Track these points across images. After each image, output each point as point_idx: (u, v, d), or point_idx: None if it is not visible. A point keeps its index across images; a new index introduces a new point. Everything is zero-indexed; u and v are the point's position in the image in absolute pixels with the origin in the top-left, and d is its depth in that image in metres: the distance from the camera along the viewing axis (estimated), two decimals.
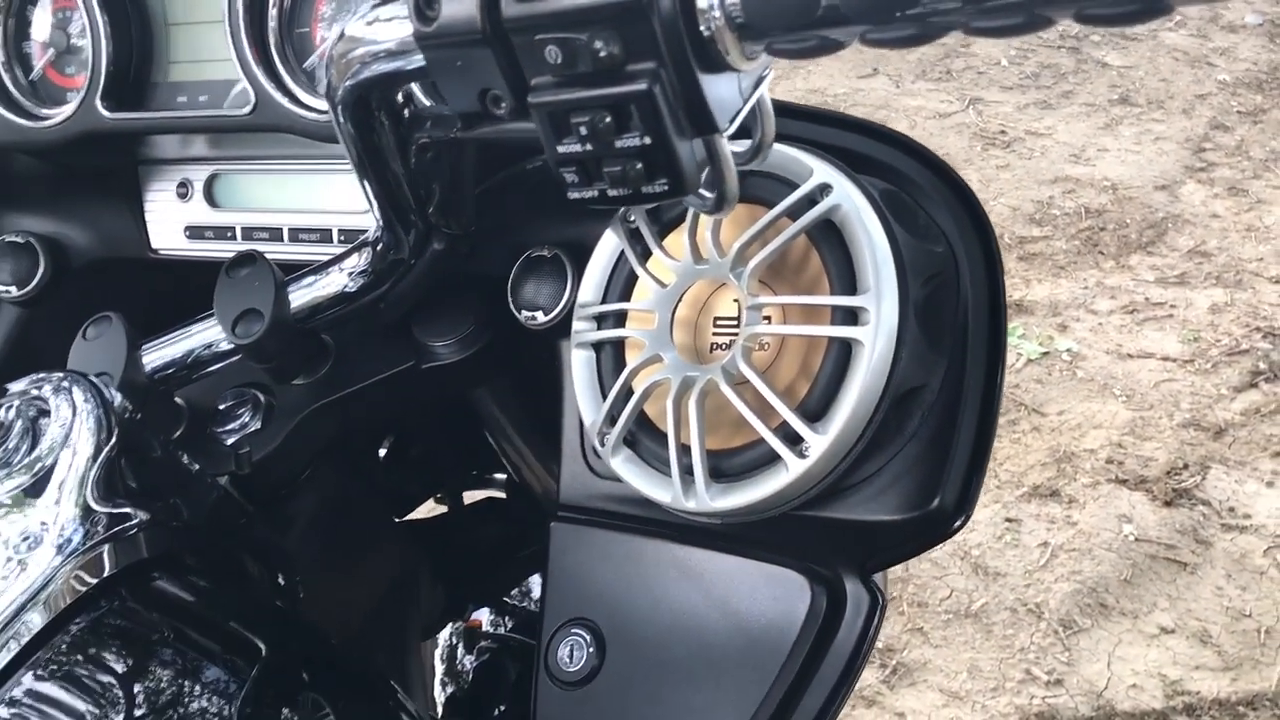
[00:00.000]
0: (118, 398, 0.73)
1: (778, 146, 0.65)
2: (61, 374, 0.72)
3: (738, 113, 0.48)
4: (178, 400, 0.84)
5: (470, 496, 1.15)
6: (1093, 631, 2.35)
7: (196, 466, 0.79)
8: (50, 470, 0.67)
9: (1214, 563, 2.48)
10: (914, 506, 0.63)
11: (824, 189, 0.63)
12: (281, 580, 0.81)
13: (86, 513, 0.67)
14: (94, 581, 0.66)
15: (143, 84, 0.84)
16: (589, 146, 0.47)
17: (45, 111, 0.85)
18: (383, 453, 1.05)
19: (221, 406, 0.85)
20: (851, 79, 4.57)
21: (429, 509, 1.10)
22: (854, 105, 4.37)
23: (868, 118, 0.70)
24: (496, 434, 0.92)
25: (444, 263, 0.77)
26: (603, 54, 0.45)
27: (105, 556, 0.67)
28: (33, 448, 0.68)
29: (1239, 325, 3.21)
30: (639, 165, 0.47)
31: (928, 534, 0.63)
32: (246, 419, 0.83)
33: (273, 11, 0.78)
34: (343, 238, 0.86)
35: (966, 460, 0.63)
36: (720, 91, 0.47)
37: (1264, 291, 3.34)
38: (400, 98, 0.62)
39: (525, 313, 0.77)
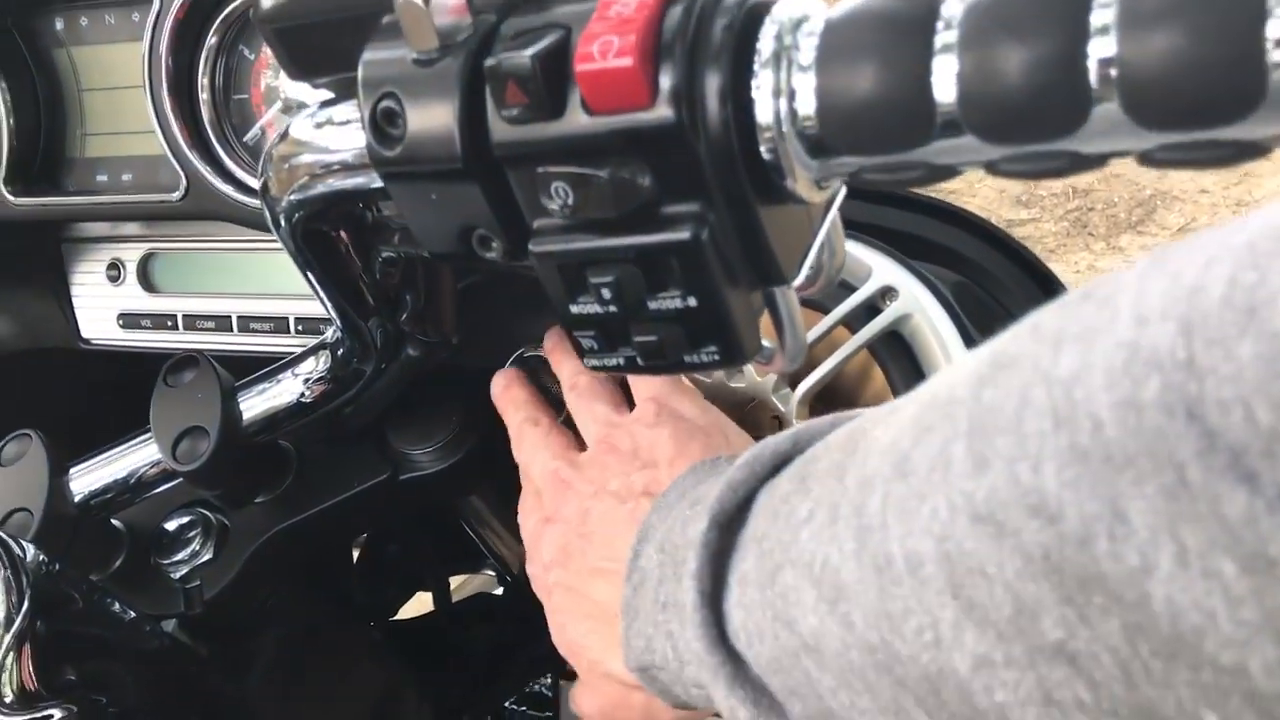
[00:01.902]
0: (29, 550, 0.61)
1: None
2: None
3: (807, 251, 0.36)
4: (116, 524, 0.72)
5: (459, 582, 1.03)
6: None
7: (132, 614, 0.67)
8: None
9: None
10: None
11: (888, 293, 0.51)
12: None
13: None
14: None
15: (55, 161, 0.71)
16: (613, 309, 0.35)
17: None
18: (354, 556, 0.93)
19: (170, 528, 0.73)
20: None
21: (414, 607, 0.98)
22: None
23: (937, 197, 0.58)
24: (481, 530, 0.80)
25: (420, 367, 0.65)
26: (629, 193, 0.33)
27: None
28: None
29: None
30: (680, 331, 0.35)
31: None
32: (197, 546, 0.71)
33: (203, 76, 0.65)
34: (300, 327, 0.74)
35: None
36: (785, 228, 0.35)
37: None
38: (360, 204, 0.50)
39: None
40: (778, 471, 0.41)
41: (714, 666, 0.39)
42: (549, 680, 1.02)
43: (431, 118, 0.35)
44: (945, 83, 0.30)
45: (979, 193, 3.67)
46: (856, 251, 0.53)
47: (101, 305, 0.79)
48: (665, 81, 0.32)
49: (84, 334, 0.80)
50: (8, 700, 0.55)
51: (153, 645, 0.68)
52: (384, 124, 0.36)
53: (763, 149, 0.33)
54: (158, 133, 0.65)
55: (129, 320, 0.78)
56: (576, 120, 0.33)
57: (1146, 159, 0.31)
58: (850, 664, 0.34)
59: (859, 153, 0.32)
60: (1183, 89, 0.27)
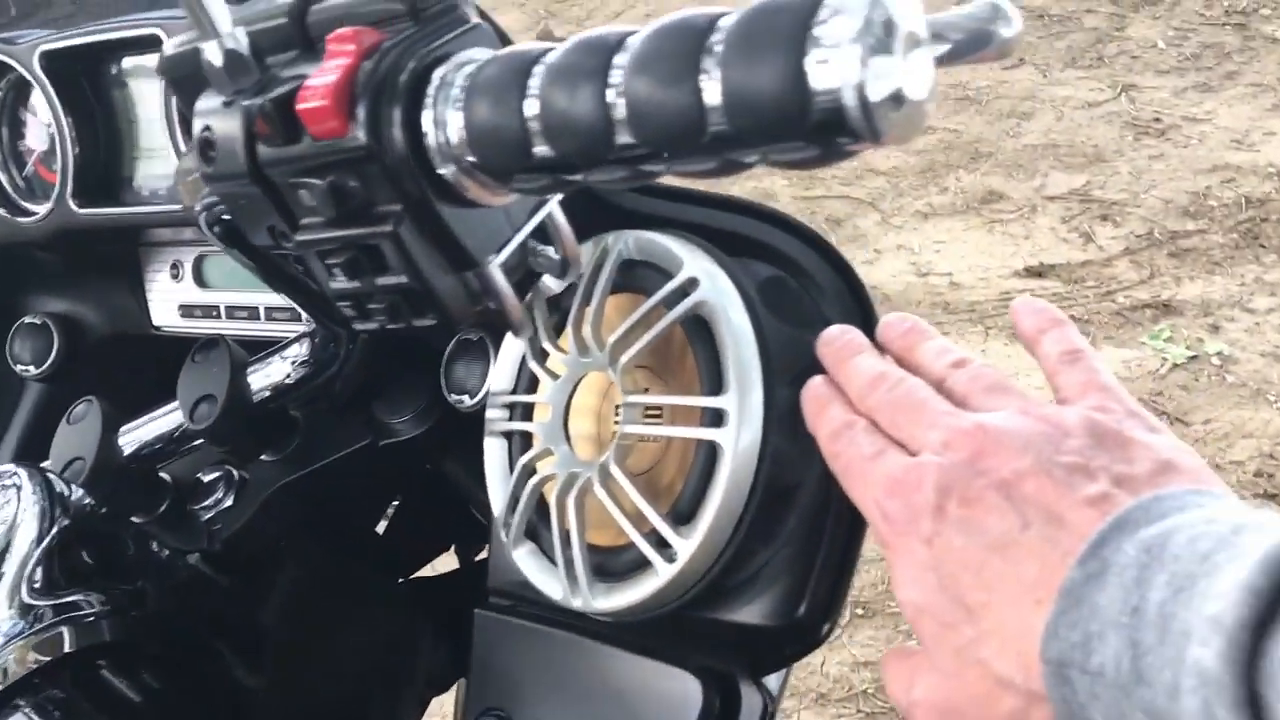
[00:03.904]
0: (66, 487, 0.77)
1: (658, 236, 0.64)
2: (11, 466, 0.76)
3: (506, 243, 0.48)
4: (163, 476, 0.88)
5: None
6: None
7: (166, 551, 0.83)
8: None
9: None
10: (783, 613, 0.60)
11: (692, 283, 0.61)
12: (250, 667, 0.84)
13: (24, 608, 0.70)
14: (32, 666, 0.70)
15: (114, 179, 0.88)
16: (356, 284, 0.47)
17: (33, 208, 0.90)
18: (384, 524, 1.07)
19: (206, 480, 0.89)
20: (995, 70, 4.40)
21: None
22: (997, 97, 4.22)
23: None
24: (473, 505, 0.93)
25: (384, 345, 0.79)
26: (348, 197, 0.45)
27: (46, 644, 0.71)
28: None
29: None
30: (403, 302, 0.47)
31: (797, 642, 0.61)
32: (220, 494, 0.87)
33: None
34: (307, 315, 0.88)
35: (835, 565, 0.60)
36: (479, 225, 0.46)
37: None
38: None
39: (454, 395, 0.77)
40: None
41: (1233, 701, 0.34)
42: None
43: (229, 143, 0.48)
44: (534, 117, 0.41)
45: (1144, 203, 3.59)
46: (674, 246, 0.63)
47: (167, 298, 0.96)
48: (359, 115, 0.44)
49: (155, 322, 0.97)
50: (37, 586, 0.70)
51: (181, 575, 0.84)
52: (205, 149, 0.49)
53: (439, 169, 0.44)
54: (170, 151, 0.81)
55: (186, 310, 0.95)
56: (305, 145, 0.45)
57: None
58: None
59: (492, 171, 0.43)
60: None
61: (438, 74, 0.44)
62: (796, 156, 0.37)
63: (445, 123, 0.43)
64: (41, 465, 0.79)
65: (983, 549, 0.46)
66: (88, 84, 0.86)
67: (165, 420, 0.85)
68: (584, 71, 0.39)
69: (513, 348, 0.71)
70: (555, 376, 0.67)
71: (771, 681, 0.65)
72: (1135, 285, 3.27)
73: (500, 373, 0.71)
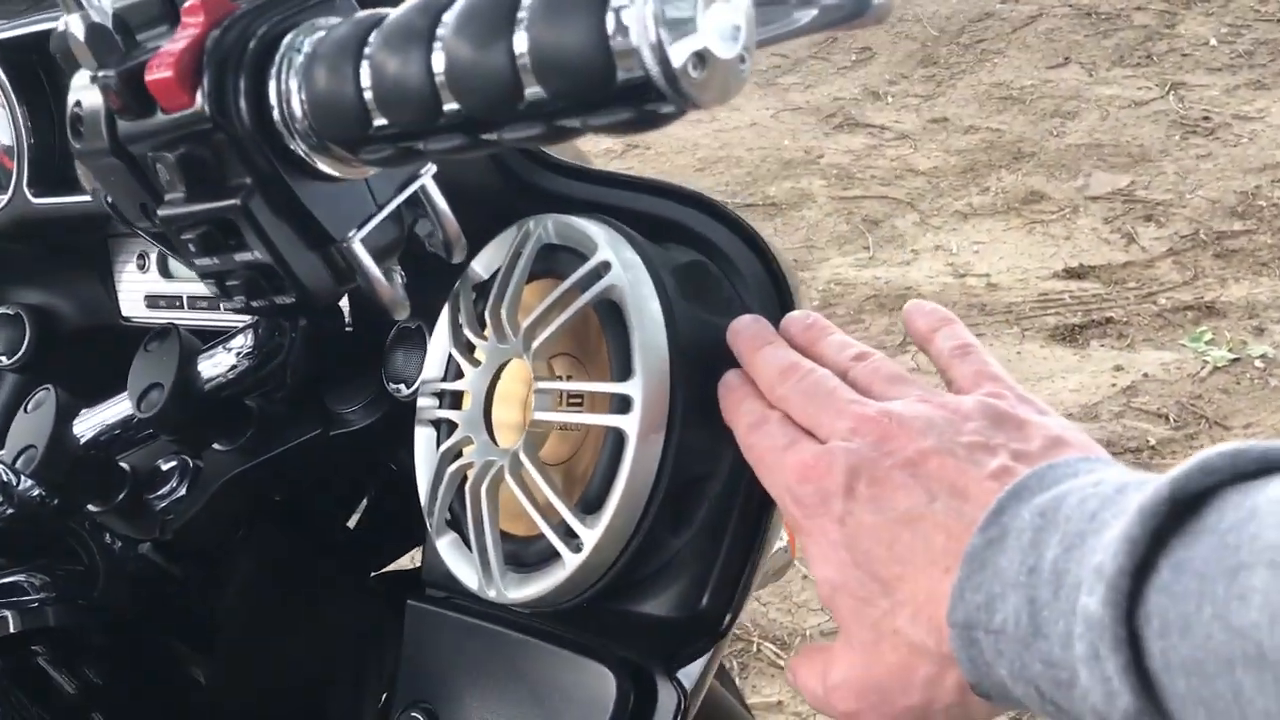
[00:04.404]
0: (12, 475, 0.77)
1: (576, 220, 0.62)
2: None
3: (368, 219, 0.46)
4: (122, 465, 0.88)
5: None
6: None
7: (118, 543, 0.82)
8: None
9: None
10: (687, 605, 0.59)
11: (605, 266, 0.59)
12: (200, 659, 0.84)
13: None
14: None
15: (70, 168, 0.88)
16: (214, 260, 0.46)
17: None
18: (356, 518, 1.06)
19: (164, 468, 0.89)
20: (1040, 69, 4.34)
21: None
22: (1041, 97, 4.15)
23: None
24: None
25: (327, 335, 0.78)
26: (200, 170, 0.44)
27: None
28: None
29: None
30: (261, 279, 0.46)
31: (702, 634, 0.59)
32: (174, 483, 0.86)
33: None
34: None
35: (739, 557, 0.58)
36: (340, 200, 0.45)
37: None
38: None
39: (393, 385, 0.76)
40: (1254, 478, 0.38)
41: (1114, 641, 0.37)
42: None
43: (93, 119, 0.47)
44: (368, 85, 0.40)
45: (1189, 203, 3.51)
46: (590, 230, 0.61)
47: (134, 289, 0.96)
48: (204, 87, 0.43)
49: (124, 312, 0.97)
50: None
51: (132, 565, 0.84)
52: (75, 125, 0.48)
53: (287, 142, 0.43)
54: None
55: (152, 301, 0.95)
56: (158, 118, 0.44)
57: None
58: None
59: (337, 142, 0.42)
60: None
61: (285, 43, 0.43)
62: (612, 120, 0.35)
63: (289, 94, 0.42)
64: None
65: (893, 523, 0.48)
66: (43, 73, 0.86)
67: (120, 408, 0.85)
68: (412, 34, 0.38)
69: (443, 335, 0.70)
70: (477, 363, 0.66)
71: (693, 673, 0.63)
72: (1178, 286, 3.19)
73: (432, 360, 0.70)
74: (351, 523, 1.05)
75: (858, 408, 0.52)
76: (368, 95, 0.39)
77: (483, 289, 0.68)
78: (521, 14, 0.35)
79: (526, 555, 0.62)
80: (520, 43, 0.35)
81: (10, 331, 1.00)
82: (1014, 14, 4.69)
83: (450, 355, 0.69)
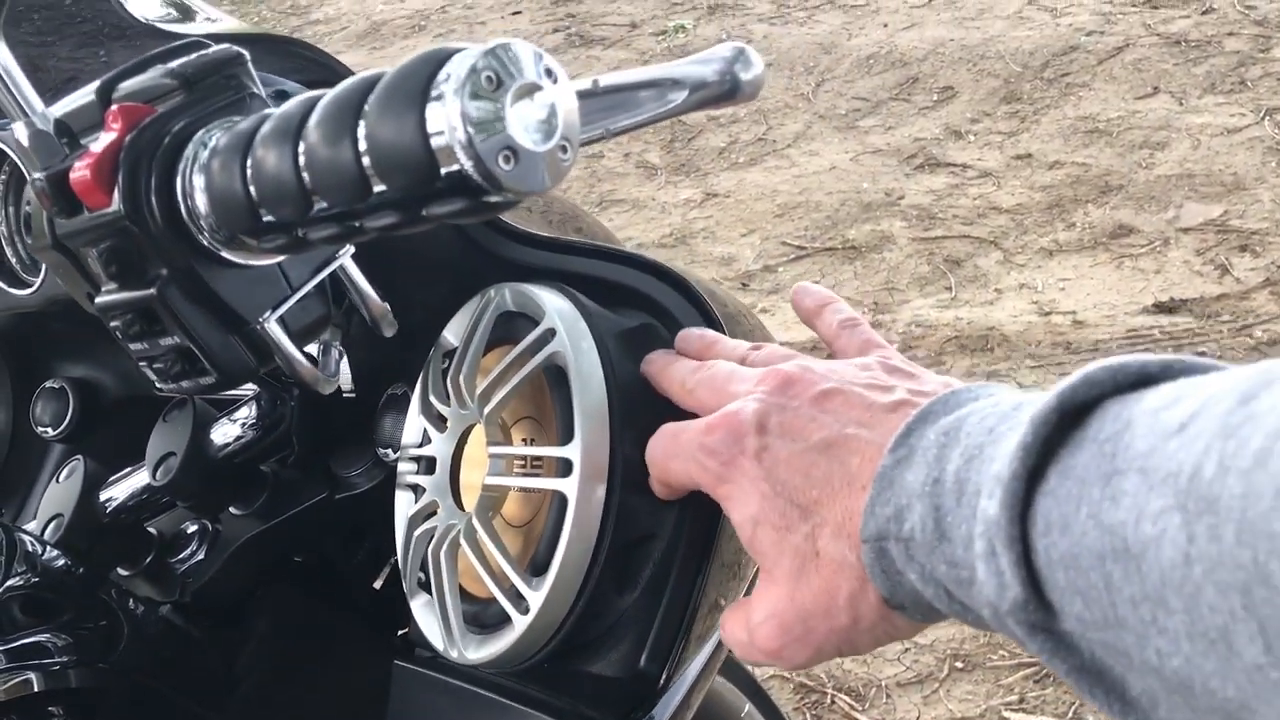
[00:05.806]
0: (37, 544, 0.81)
1: (530, 288, 0.64)
2: None
3: (283, 301, 0.49)
4: (149, 530, 0.92)
5: None
6: None
7: (140, 606, 0.86)
8: None
9: None
10: (627, 664, 0.59)
11: (550, 333, 0.61)
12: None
13: None
14: None
15: None
16: (143, 345, 0.49)
17: (31, 279, 0.96)
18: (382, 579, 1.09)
19: (189, 531, 0.93)
20: (1128, 100, 4.25)
21: None
22: (1129, 128, 4.07)
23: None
24: None
25: (324, 403, 0.81)
26: (122, 262, 0.47)
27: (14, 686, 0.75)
28: None
29: None
30: (182, 361, 0.49)
31: (644, 692, 0.60)
32: (194, 547, 0.90)
33: None
34: None
35: (675, 617, 0.59)
36: (255, 284, 0.48)
37: None
38: None
39: (381, 449, 0.79)
40: (1133, 389, 0.41)
41: (1008, 539, 0.40)
42: None
43: (38, 217, 0.51)
44: (252, 179, 0.42)
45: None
46: (541, 297, 0.63)
47: None
48: (119, 188, 0.46)
49: (157, 384, 1.02)
50: None
51: (153, 627, 0.88)
52: (26, 223, 0.52)
53: (193, 231, 0.46)
54: None
55: None
56: (84, 216, 0.48)
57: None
58: (1182, 579, 0.34)
59: (235, 232, 0.45)
60: None
61: (193, 141, 0.46)
62: (449, 210, 0.37)
63: (194, 190, 0.45)
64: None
65: (808, 450, 0.51)
66: None
67: (143, 476, 0.89)
68: (284, 132, 0.40)
69: (416, 402, 0.73)
70: (443, 429, 0.68)
71: None
72: (1275, 319, 3.09)
73: (410, 426, 0.73)
74: (378, 584, 1.08)
75: (759, 372, 0.56)
76: (252, 189, 0.42)
77: (451, 356, 0.70)
78: (364, 112, 0.38)
79: (486, 617, 0.64)
80: (361, 140, 0.37)
81: (56, 405, 1.06)
82: (1099, 46, 4.61)
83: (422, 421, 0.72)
